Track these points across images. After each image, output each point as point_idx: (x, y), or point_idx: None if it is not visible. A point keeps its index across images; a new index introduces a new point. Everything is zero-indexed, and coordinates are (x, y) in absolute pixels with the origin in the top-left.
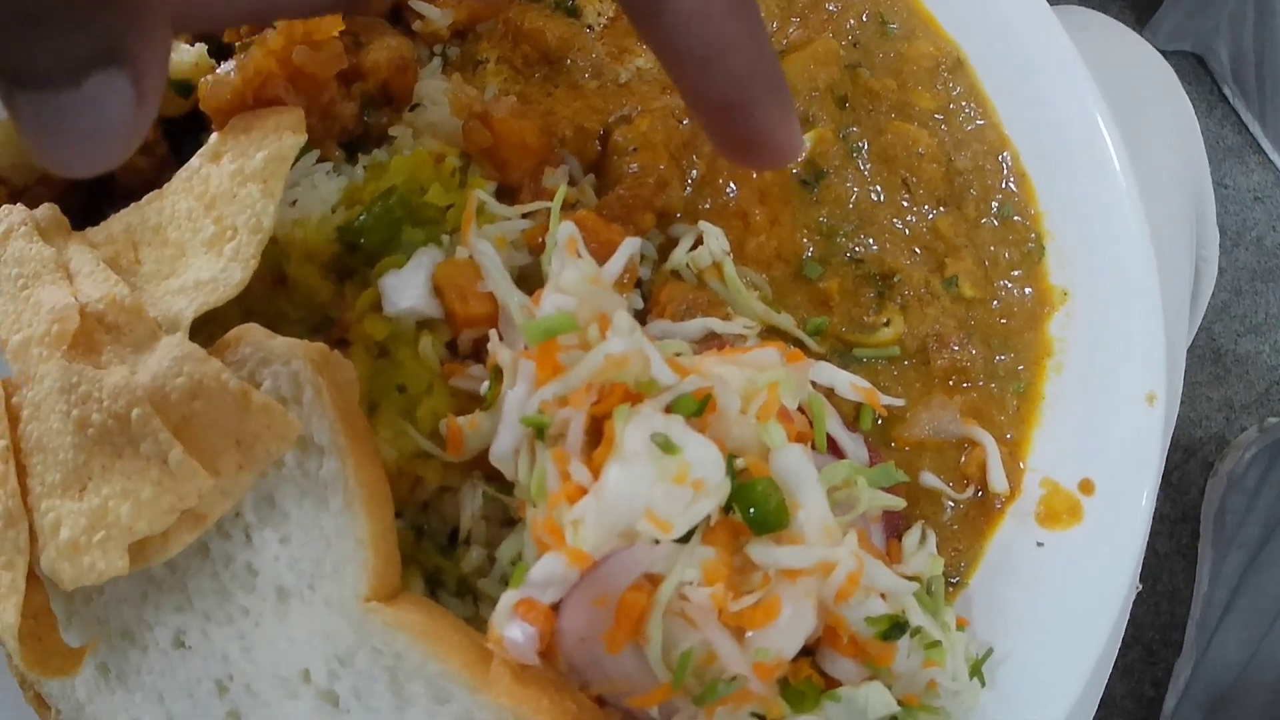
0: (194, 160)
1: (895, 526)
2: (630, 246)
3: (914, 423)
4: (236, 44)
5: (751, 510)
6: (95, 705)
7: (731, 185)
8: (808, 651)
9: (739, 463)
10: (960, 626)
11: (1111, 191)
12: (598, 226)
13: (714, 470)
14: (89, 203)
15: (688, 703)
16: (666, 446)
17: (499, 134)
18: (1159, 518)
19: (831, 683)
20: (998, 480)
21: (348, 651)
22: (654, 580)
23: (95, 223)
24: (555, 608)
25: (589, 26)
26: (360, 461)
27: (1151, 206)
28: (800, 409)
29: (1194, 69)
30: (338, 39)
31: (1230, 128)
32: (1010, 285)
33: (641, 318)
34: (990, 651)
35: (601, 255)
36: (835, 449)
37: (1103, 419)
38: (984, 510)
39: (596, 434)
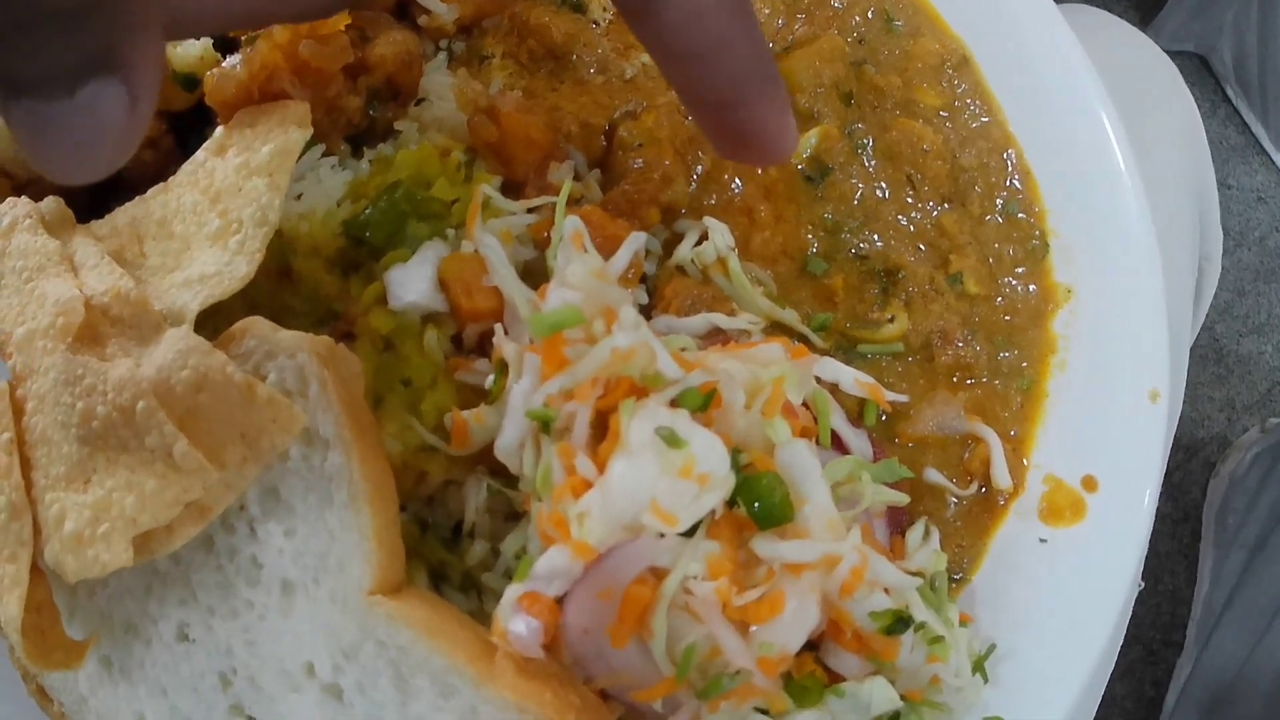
0: (199, 154)
1: (899, 522)
2: (635, 241)
3: (918, 419)
4: (242, 38)
5: (756, 504)
6: (98, 698)
7: (737, 181)
8: (811, 646)
9: (743, 457)
10: (963, 622)
11: (1116, 190)
12: (603, 221)
13: (719, 464)
14: (93, 196)
15: (691, 697)
16: (672, 440)
17: (505, 129)
18: (1160, 517)
19: (835, 678)
20: (1001, 476)
21: (352, 645)
22: (658, 574)
23: (100, 216)
24: (560, 601)
25: (595, 22)
26: (365, 455)
27: (1155, 205)
28: (805, 404)
29: (1197, 69)
30: (344, 33)
31: (1234, 128)
32: (1014, 282)
33: (646, 313)
34: (993, 648)
35: (607, 250)
36: (839, 444)
37: (1106, 416)
38: (987, 506)
39: (601, 428)
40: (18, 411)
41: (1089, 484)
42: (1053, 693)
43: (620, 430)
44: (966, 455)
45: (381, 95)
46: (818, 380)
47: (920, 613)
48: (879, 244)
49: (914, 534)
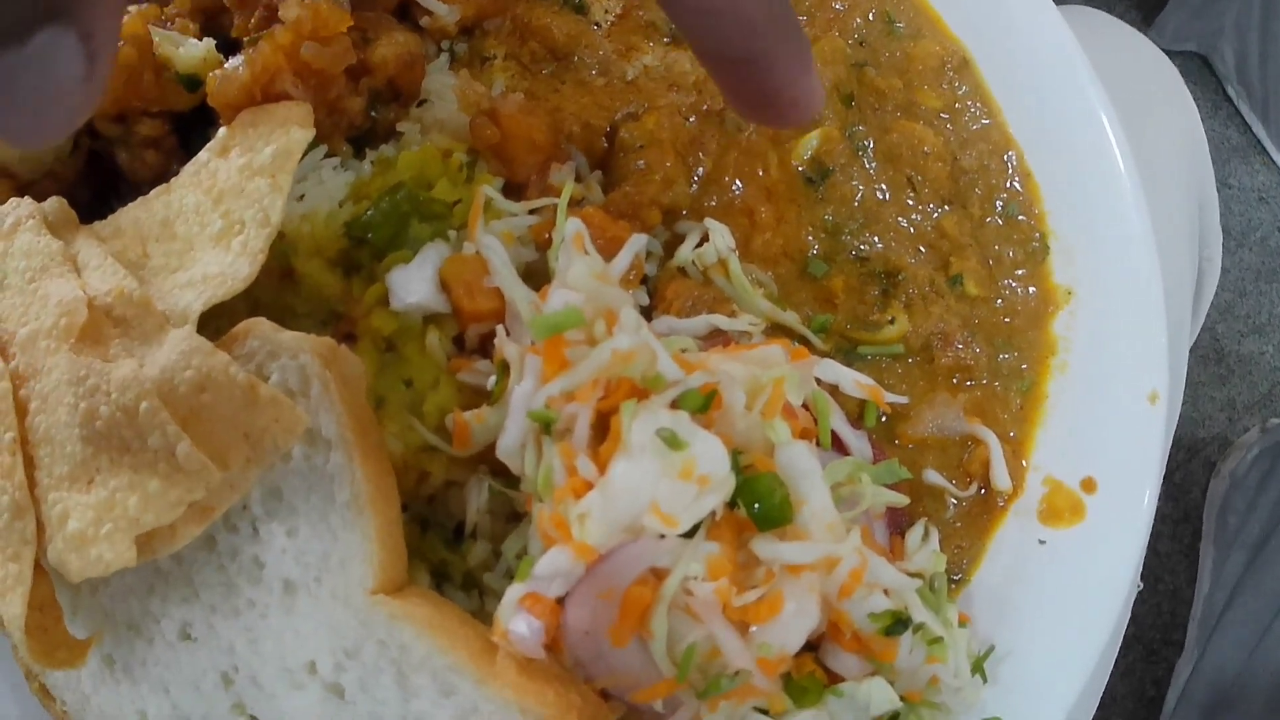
0: (202, 154)
1: (898, 523)
2: (637, 243)
3: (918, 420)
4: (245, 39)
5: (756, 505)
6: (100, 696)
7: (738, 183)
8: (811, 647)
9: (743, 459)
10: (962, 623)
11: (1116, 191)
12: (604, 223)
13: (719, 465)
14: (95, 197)
15: (691, 697)
16: (672, 442)
17: (507, 130)
18: (1161, 518)
19: (834, 678)
20: (1001, 478)
21: (354, 644)
22: (659, 575)
23: (102, 217)
24: (561, 601)
25: (596, 24)
26: (367, 455)
27: (1155, 206)
28: (805, 405)
29: (1199, 69)
30: (346, 35)
31: (1235, 129)
32: (1014, 284)
33: (647, 314)
34: (992, 649)
35: (608, 251)
36: (839, 446)
37: (1105, 418)
38: (987, 508)
39: (602, 429)
40: (21, 411)
41: (1088, 486)
42: (1051, 693)
43: (621, 431)
44: (966, 457)
45: (383, 96)
46: (818, 382)
47: (919, 614)
48: (879, 246)
49: (913, 535)
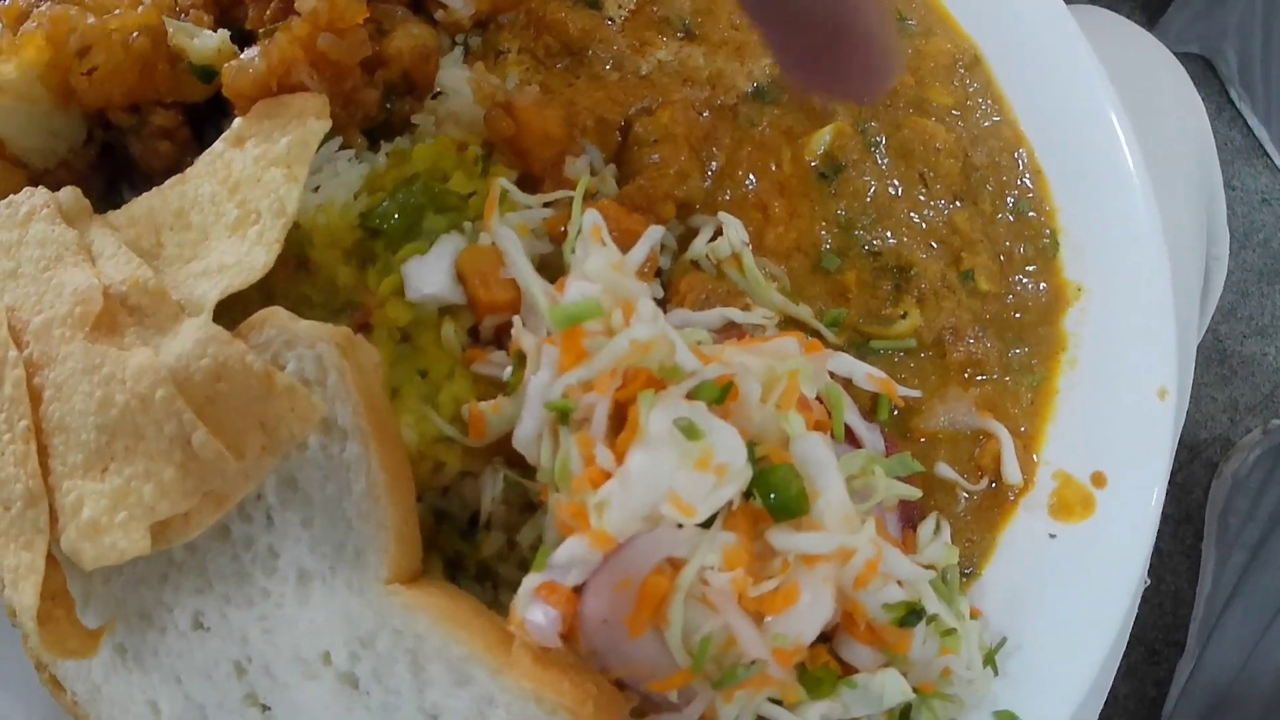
0: (217, 145)
1: (911, 517)
2: (654, 234)
3: (930, 414)
4: (260, 31)
5: (772, 496)
6: (111, 686)
7: (751, 177)
8: (825, 639)
9: (759, 450)
10: (973, 617)
11: (1125, 190)
12: (619, 216)
13: (736, 456)
14: (108, 188)
15: (706, 687)
16: (690, 432)
17: (522, 123)
18: (1162, 518)
19: (848, 669)
20: (1011, 472)
21: (369, 634)
22: (675, 565)
23: (114, 208)
24: (577, 591)
25: (610, 19)
26: (383, 445)
27: (1163, 204)
28: (818, 399)
29: (1202, 71)
30: (361, 27)
31: (1238, 131)
32: (1025, 280)
33: (661, 307)
34: (1004, 641)
35: (623, 244)
36: (852, 439)
37: (1115, 413)
38: (997, 502)
39: (619, 419)
40: (35, 400)
41: (1098, 480)
42: (1061, 686)
43: (639, 421)
44: (977, 451)
45: (398, 89)
46: (831, 375)
47: (933, 605)
48: (891, 241)
49: (925, 528)
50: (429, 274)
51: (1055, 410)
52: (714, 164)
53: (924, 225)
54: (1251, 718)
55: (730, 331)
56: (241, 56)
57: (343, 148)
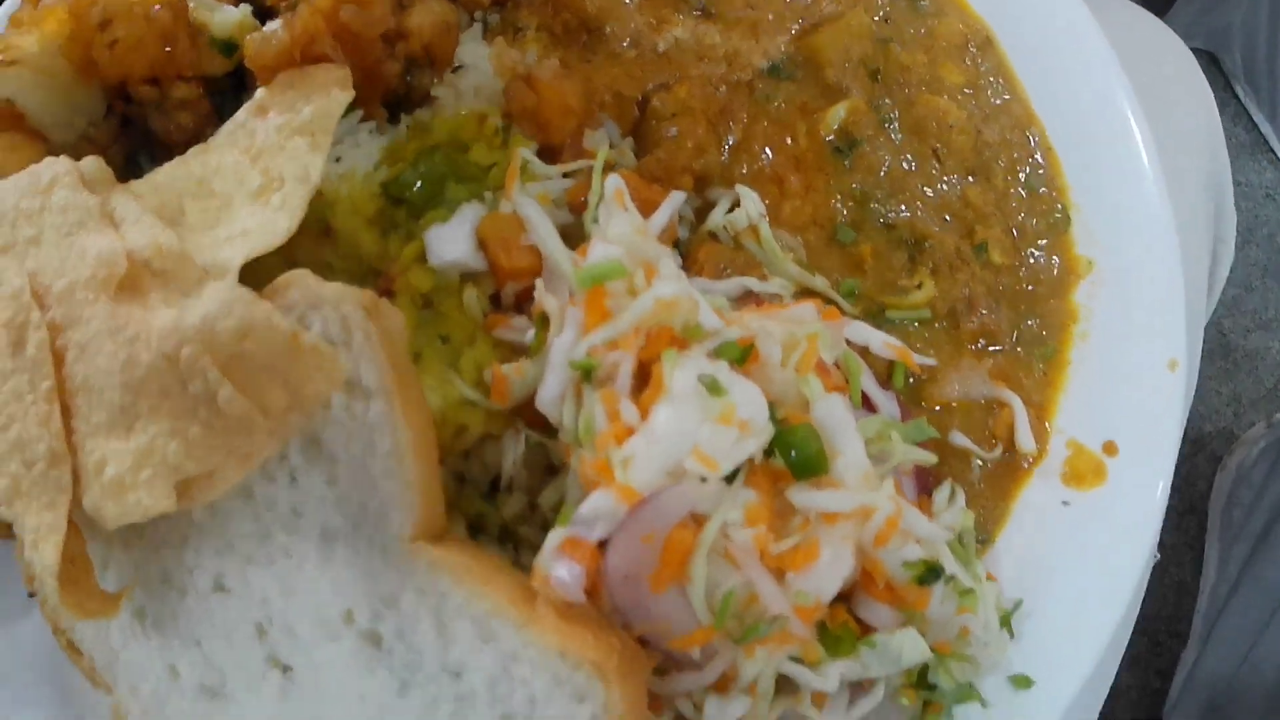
0: (239, 114)
1: (926, 483)
2: (675, 200)
3: (944, 383)
4: (281, 4)
5: (793, 454)
6: (130, 651)
7: (767, 151)
8: (844, 600)
9: (779, 412)
10: (988, 580)
11: (1135, 168)
12: (639, 186)
13: (758, 411)
14: (127, 161)
15: (728, 645)
16: (713, 388)
17: (542, 95)
18: (1166, 510)
19: (866, 629)
20: (1025, 440)
21: (392, 593)
22: (698, 520)
23: (133, 179)
24: (601, 547)
25: None
26: (407, 405)
27: (1171, 186)
28: (836, 365)
29: (1207, 67)
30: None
31: (1243, 126)
32: (1037, 254)
33: None
34: (1020, 603)
35: (643, 214)
36: (869, 406)
37: (1126, 384)
38: (1011, 470)
39: (642, 378)
40: (58, 361)
41: (1110, 449)
42: (1075, 651)
43: (663, 378)
44: (991, 420)
45: (419, 62)
46: (848, 343)
47: (950, 565)
48: (906, 214)
49: (940, 494)
50: (451, 240)
51: (1067, 381)
52: (730, 138)
53: (937, 199)
54: (1254, 708)
55: (748, 300)
56: (265, 28)
57: (364, 120)
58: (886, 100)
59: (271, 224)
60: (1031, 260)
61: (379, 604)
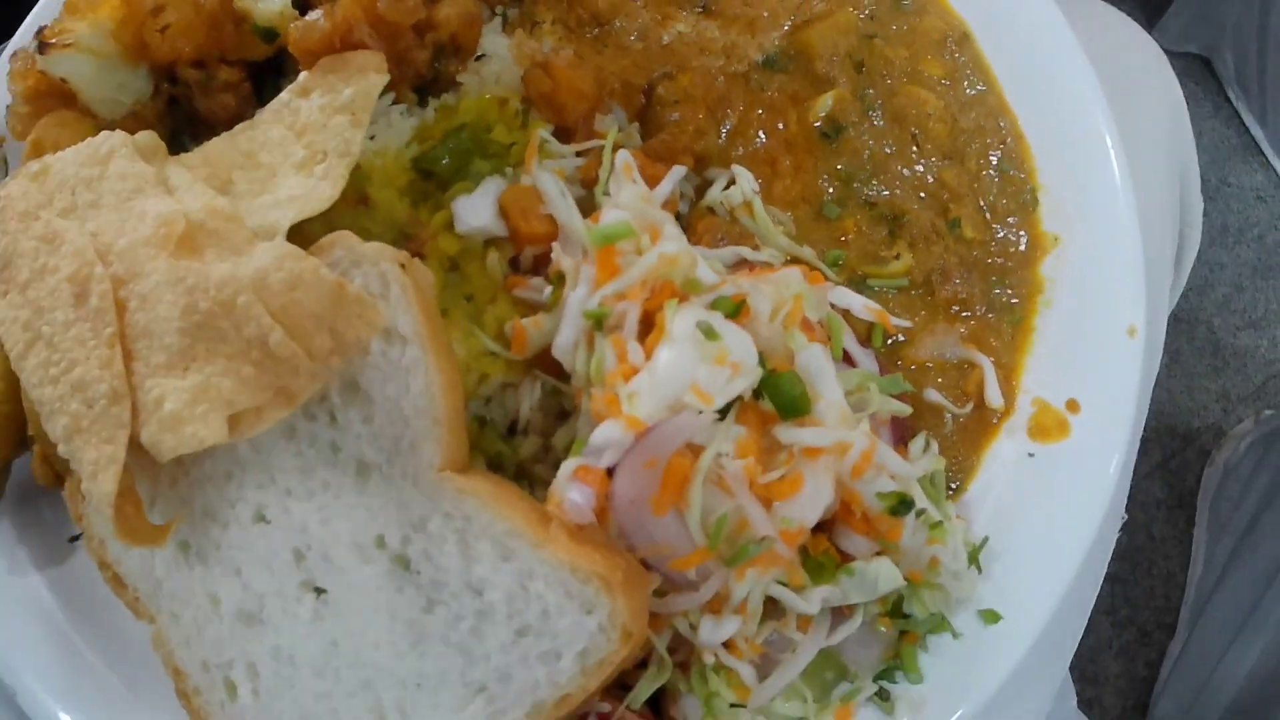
0: (283, 95)
1: (902, 434)
2: (678, 173)
3: (919, 345)
4: None
5: (778, 397)
6: (173, 582)
7: (761, 135)
8: (825, 532)
9: (768, 363)
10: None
11: (1100, 153)
12: (644, 164)
13: (748, 355)
14: (171, 139)
15: (720, 568)
16: (709, 333)
17: (558, 81)
18: (1155, 503)
19: (845, 558)
20: (994, 397)
21: (421, 518)
22: (695, 451)
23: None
24: (609, 475)
25: None
26: (438, 351)
27: (1136, 173)
28: (820, 324)
29: (1200, 71)
30: None
31: (1234, 130)
32: (1007, 230)
33: None
34: (986, 540)
35: (648, 186)
36: (850, 362)
37: (1088, 347)
38: (981, 424)
39: (646, 327)
40: (120, 310)
41: (1072, 406)
42: (1041, 589)
43: (665, 324)
44: (963, 379)
45: (446, 51)
46: (831, 306)
47: (921, 500)
48: (886, 193)
49: (915, 444)
50: (476, 210)
51: (1033, 344)
52: (728, 123)
53: (915, 180)
54: (1237, 698)
55: (742, 267)
56: (307, 16)
57: (395, 102)
58: (870, 90)
59: (316, 191)
60: (1001, 235)
61: (409, 529)
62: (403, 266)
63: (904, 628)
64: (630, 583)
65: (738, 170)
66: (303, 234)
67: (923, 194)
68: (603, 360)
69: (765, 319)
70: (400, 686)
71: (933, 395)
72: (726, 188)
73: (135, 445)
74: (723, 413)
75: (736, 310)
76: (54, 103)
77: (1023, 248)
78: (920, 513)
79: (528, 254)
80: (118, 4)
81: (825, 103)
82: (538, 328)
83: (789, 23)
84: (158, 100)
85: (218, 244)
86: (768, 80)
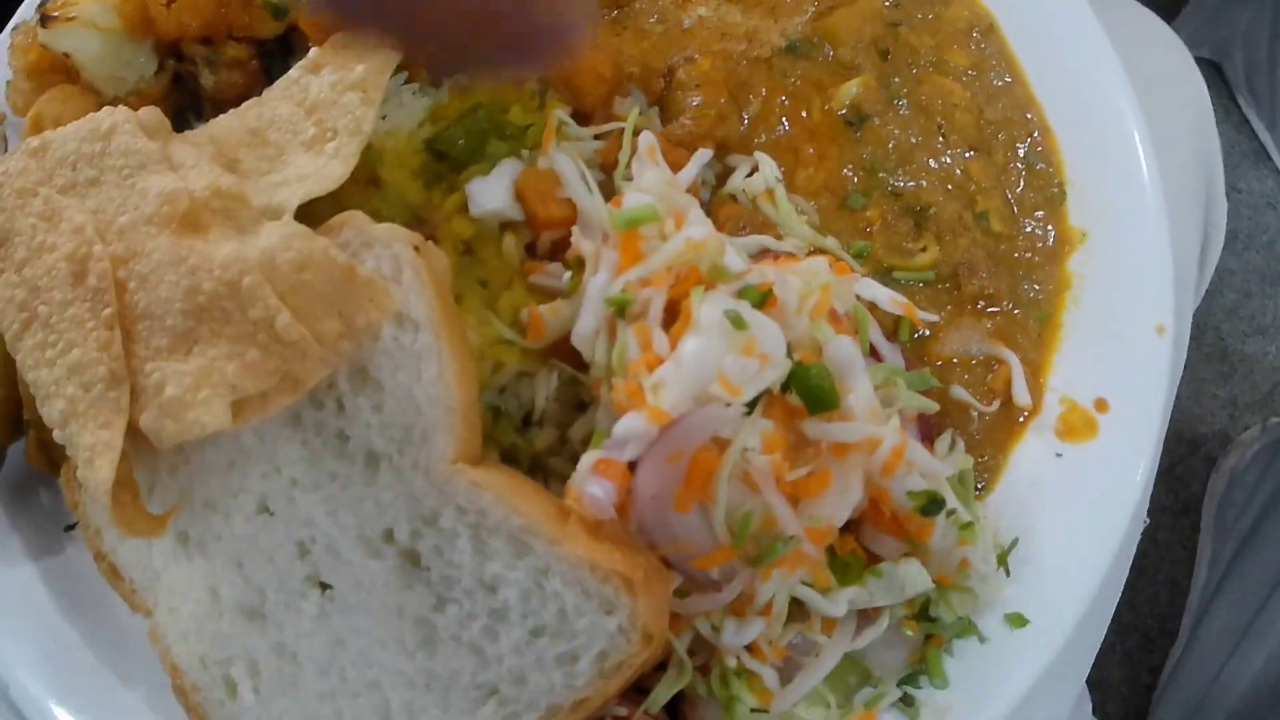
0: (292, 72)
1: (929, 432)
2: (703, 157)
3: (945, 341)
4: None
5: (806, 390)
6: (171, 574)
7: (784, 123)
8: (853, 532)
9: (795, 354)
10: None
11: (1128, 149)
12: (665, 149)
13: (777, 346)
14: (175, 117)
15: (745, 568)
16: (737, 322)
17: (577, 61)
18: (1161, 509)
19: (873, 559)
20: (1021, 395)
21: (432, 511)
22: (721, 445)
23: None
24: (631, 469)
25: None
26: (451, 337)
27: (1164, 168)
28: (846, 316)
29: (1211, 76)
30: None
31: (1245, 135)
32: (1034, 224)
33: None
34: (1016, 541)
35: None
36: (876, 357)
37: (1117, 346)
38: (1007, 423)
39: (671, 315)
40: (119, 290)
41: (1101, 405)
42: (1069, 593)
43: (692, 312)
44: (989, 376)
45: None
46: (857, 298)
47: (951, 499)
48: (911, 184)
49: (942, 442)
50: (491, 192)
51: (1061, 342)
52: (750, 110)
53: (942, 171)
54: (1237, 705)
55: (765, 257)
56: None
57: (408, 81)
58: (895, 79)
59: (326, 170)
60: (1029, 230)
61: (419, 522)
62: (416, 249)
63: (930, 631)
64: (651, 582)
65: (760, 157)
66: (310, 215)
67: (949, 186)
68: (625, 349)
69: (792, 310)
70: (408, 687)
71: (959, 392)
72: (749, 175)
73: (134, 431)
74: (749, 406)
75: (763, 300)
76: (56, 78)
77: (1050, 242)
78: (951, 513)
79: (545, 239)
80: None
81: (849, 90)
82: (555, 315)
83: (813, 8)
84: (162, 77)
85: (223, 223)
86: (790, 67)
